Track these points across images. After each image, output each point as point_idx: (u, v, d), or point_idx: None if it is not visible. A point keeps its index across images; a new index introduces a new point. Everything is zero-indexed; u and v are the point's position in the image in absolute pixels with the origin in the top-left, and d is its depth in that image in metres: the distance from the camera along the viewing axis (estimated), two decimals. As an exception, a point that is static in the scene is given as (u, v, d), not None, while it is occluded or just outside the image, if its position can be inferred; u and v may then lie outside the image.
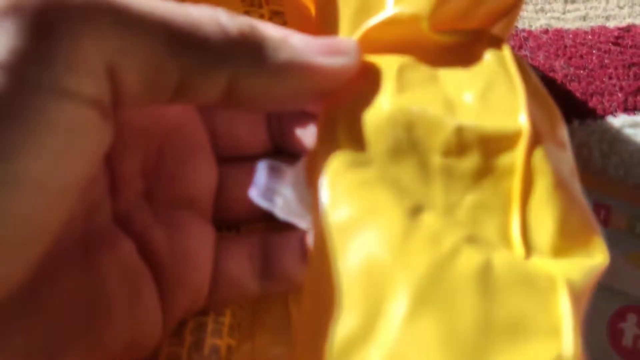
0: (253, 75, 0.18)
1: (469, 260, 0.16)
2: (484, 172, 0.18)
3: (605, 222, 0.36)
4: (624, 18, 0.43)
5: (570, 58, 0.41)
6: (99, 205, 0.21)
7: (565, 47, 0.42)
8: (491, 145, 0.18)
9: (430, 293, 0.15)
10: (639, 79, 0.41)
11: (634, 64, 0.41)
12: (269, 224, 0.28)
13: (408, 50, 0.20)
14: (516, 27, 0.42)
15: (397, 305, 0.15)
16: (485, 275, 0.16)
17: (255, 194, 0.22)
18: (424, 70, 0.20)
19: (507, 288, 0.16)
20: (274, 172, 0.22)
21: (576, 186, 0.20)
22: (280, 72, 0.18)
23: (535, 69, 0.40)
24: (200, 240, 0.24)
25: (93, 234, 0.20)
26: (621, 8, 0.44)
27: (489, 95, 0.19)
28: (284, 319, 0.27)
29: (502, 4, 0.22)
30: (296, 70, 0.18)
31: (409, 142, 0.18)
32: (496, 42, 0.21)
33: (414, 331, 0.15)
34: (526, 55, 0.41)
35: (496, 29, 0.23)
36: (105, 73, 0.16)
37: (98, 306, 0.19)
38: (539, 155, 0.18)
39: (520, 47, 0.41)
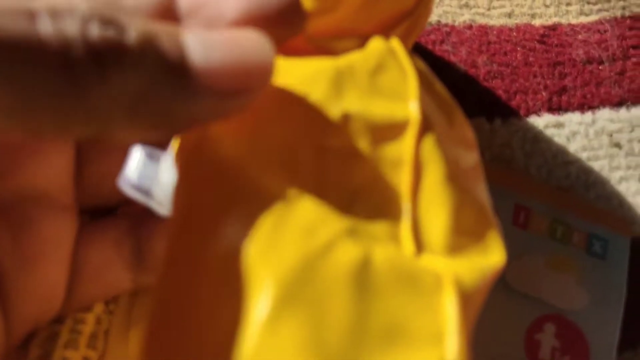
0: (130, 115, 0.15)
1: (346, 255, 0.14)
2: (372, 162, 0.17)
3: (524, 225, 0.34)
4: (550, 17, 0.42)
5: (493, 55, 0.39)
6: None
7: (489, 43, 0.40)
8: (379, 133, 0.17)
9: (296, 292, 0.14)
10: (564, 79, 0.39)
11: (559, 63, 0.40)
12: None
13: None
14: (439, 21, 0.40)
15: (260, 307, 0.13)
16: (362, 273, 0.14)
17: (126, 185, 0.20)
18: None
19: (386, 288, 0.14)
20: (149, 159, 0.20)
21: (476, 184, 0.19)
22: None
23: (457, 64, 0.38)
24: (52, 236, 0.21)
25: None
26: (547, 6, 0.42)
27: (378, 76, 0.18)
28: None
29: (397, 9, 0.21)
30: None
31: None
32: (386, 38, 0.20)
33: (274, 337, 0.13)
34: (448, 50, 0.39)
35: (395, 35, 0.22)
36: None
37: None
38: (428, 145, 0.17)
39: (442, 42, 0.39)
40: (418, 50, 0.39)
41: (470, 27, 0.40)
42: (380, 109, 0.17)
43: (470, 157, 0.20)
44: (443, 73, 0.38)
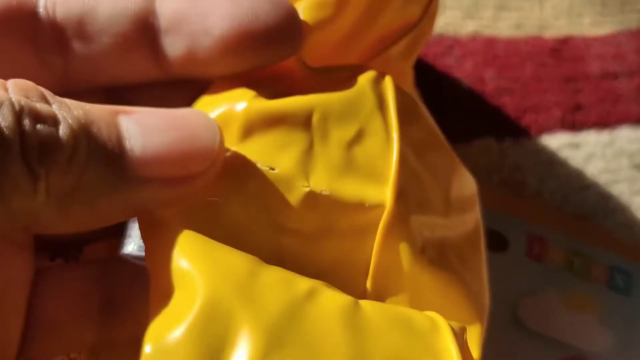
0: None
1: (332, 299, 0.14)
2: (338, 251, 0.16)
3: (539, 257, 0.31)
4: (561, 29, 0.39)
5: (501, 69, 0.36)
6: None
7: (496, 56, 0.37)
8: (345, 218, 0.16)
9: (287, 334, 0.13)
10: (578, 95, 0.36)
11: (572, 78, 0.37)
12: (115, 245, 0.22)
13: (277, 83, 0.18)
14: (441, 33, 0.37)
15: (244, 349, 0.13)
16: (353, 315, 0.14)
17: (129, 256, 0.19)
18: (279, 102, 0.17)
19: (381, 329, 0.14)
20: None
21: (469, 258, 0.19)
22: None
23: (461, 79, 0.35)
24: (4, 278, 0.18)
25: None
26: (557, 18, 0.39)
27: (358, 147, 0.17)
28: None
29: (403, 20, 0.20)
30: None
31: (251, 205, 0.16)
32: (379, 77, 0.18)
33: None
34: (451, 65, 0.36)
35: (397, 50, 0.21)
36: None
37: None
38: (398, 238, 0.16)
39: (445, 55, 0.36)
40: (418, 65, 0.36)
41: (474, 39, 0.37)
42: (351, 190, 0.16)
43: (467, 220, 0.19)
44: (446, 89, 0.35)
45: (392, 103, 0.17)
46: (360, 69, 0.18)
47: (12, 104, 0.13)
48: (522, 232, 0.31)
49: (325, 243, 0.16)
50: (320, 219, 0.16)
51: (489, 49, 0.37)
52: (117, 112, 0.15)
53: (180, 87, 0.20)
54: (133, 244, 0.18)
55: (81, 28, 0.18)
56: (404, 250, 0.16)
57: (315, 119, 0.16)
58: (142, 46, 0.18)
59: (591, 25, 0.39)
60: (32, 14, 0.17)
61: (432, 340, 0.14)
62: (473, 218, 0.20)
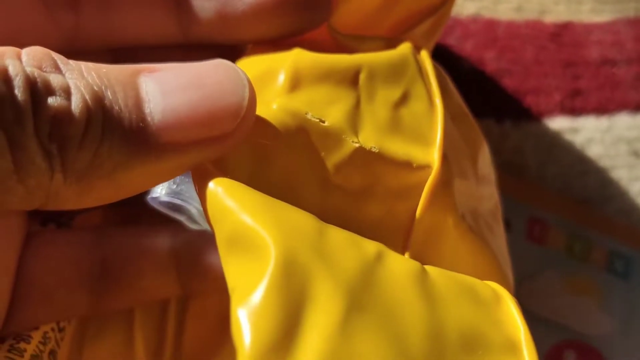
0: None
1: (401, 264, 0.14)
2: (381, 209, 0.16)
3: (541, 240, 0.30)
4: (561, 14, 0.38)
5: (502, 51, 0.36)
6: None
7: (497, 39, 0.36)
8: (391, 176, 0.16)
9: (365, 296, 0.13)
10: (578, 80, 0.36)
11: (572, 63, 0.36)
12: (109, 213, 0.22)
13: (312, 49, 0.17)
14: (442, 13, 0.36)
15: (324, 311, 0.12)
16: (423, 282, 0.13)
17: (155, 201, 0.18)
18: (325, 60, 0.16)
19: (450, 297, 0.14)
20: (184, 175, 0.18)
21: (493, 231, 0.19)
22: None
23: (465, 59, 0.35)
24: None
25: None
26: (557, 4, 0.39)
27: (404, 109, 0.16)
28: (125, 344, 0.21)
29: (426, 2, 0.20)
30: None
31: (301, 147, 0.15)
32: (415, 48, 0.18)
33: (351, 341, 0.12)
34: (452, 45, 0.35)
35: (421, 30, 0.21)
36: None
37: None
38: (442, 200, 0.16)
39: (446, 35, 0.35)
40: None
41: (475, 20, 0.37)
42: (398, 149, 0.16)
43: (490, 192, 0.19)
44: (446, 69, 0.34)
45: (431, 71, 0.18)
46: (394, 41, 0.18)
47: (26, 77, 0.12)
48: (523, 214, 0.31)
49: (369, 201, 0.16)
50: (367, 176, 0.15)
51: (490, 31, 0.37)
52: (138, 72, 0.13)
53: (199, 52, 0.19)
54: (161, 188, 0.17)
55: None
56: (447, 214, 0.16)
57: (362, 77, 0.16)
58: (166, 5, 0.17)
59: (590, 11, 0.39)
60: None
61: (496, 310, 0.14)
62: (495, 193, 0.20)
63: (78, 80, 0.13)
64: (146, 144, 0.13)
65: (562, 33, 0.38)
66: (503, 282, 0.17)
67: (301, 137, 0.15)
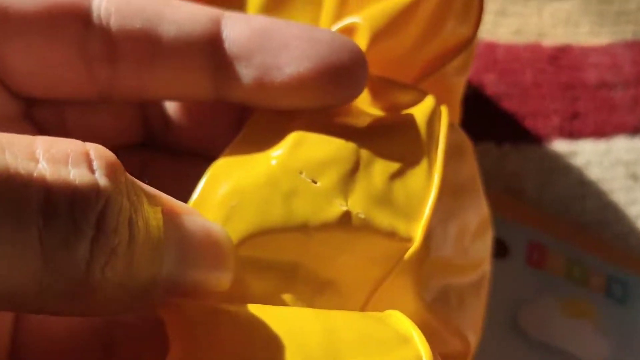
0: None
1: None
2: (356, 269, 0.17)
3: (539, 264, 0.31)
4: (559, 37, 0.39)
5: (501, 74, 0.36)
6: None
7: (496, 62, 0.37)
8: (372, 243, 0.16)
9: None
10: (576, 103, 0.36)
11: (570, 86, 0.37)
12: None
13: None
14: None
15: None
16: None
17: None
18: (334, 125, 0.17)
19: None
20: None
21: (468, 304, 0.20)
22: None
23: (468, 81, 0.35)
24: None
25: None
26: (555, 27, 0.39)
27: (399, 182, 0.17)
28: None
29: (455, 40, 0.21)
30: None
31: (283, 210, 0.15)
32: (435, 110, 0.19)
33: None
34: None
35: (453, 66, 0.22)
36: None
37: None
38: (412, 273, 0.17)
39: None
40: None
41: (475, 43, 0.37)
42: (384, 219, 0.16)
43: (475, 270, 0.20)
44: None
45: (442, 143, 0.18)
46: (421, 94, 0.19)
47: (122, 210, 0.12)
48: (522, 239, 0.31)
49: (345, 258, 0.16)
50: (349, 238, 0.16)
51: (489, 54, 0.37)
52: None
53: (223, 108, 0.20)
54: None
55: (139, 45, 0.17)
56: (411, 287, 0.17)
57: (365, 145, 0.17)
58: (205, 69, 0.17)
59: (588, 34, 0.39)
60: (84, 19, 0.17)
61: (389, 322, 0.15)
62: (483, 264, 0.21)
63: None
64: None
65: (561, 56, 0.38)
66: (460, 347, 0.19)
67: (292, 190, 0.16)
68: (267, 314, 0.14)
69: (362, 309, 0.16)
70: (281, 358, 0.13)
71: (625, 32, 0.40)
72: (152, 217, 0.13)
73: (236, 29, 0.17)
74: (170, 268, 0.13)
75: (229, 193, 0.15)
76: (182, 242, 0.13)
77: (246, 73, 0.17)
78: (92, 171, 0.12)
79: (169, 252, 0.13)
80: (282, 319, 0.14)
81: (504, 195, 0.33)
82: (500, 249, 0.31)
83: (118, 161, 0.12)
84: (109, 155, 0.12)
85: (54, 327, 0.17)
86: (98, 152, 0.12)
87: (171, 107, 0.20)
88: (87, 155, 0.12)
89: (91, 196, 0.12)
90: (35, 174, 0.11)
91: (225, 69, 0.17)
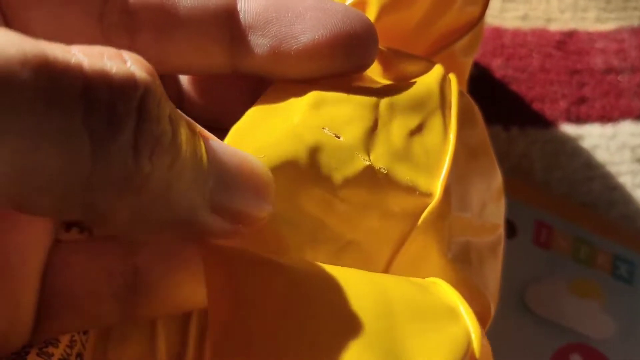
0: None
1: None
2: (378, 226, 0.17)
3: (547, 244, 0.31)
4: (566, 22, 0.39)
5: (508, 59, 0.36)
6: None
7: (504, 46, 0.37)
8: (394, 198, 0.17)
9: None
10: (583, 88, 0.36)
11: (577, 71, 0.37)
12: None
13: None
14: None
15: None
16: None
17: None
18: (350, 88, 0.17)
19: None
20: None
21: (487, 264, 0.20)
22: None
23: (473, 66, 0.35)
24: (19, 251, 0.17)
25: None
26: (562, 12, 0.39)
27: (418, 138, 0.17)
28: (148, 348, 0.21)
29: (464, 19, 0.21)
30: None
31: (308, 164, 0.16)
32: (445, 77, 0.19)
33: None
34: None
35: (460, 45, 0.22)
36: None
37: None
38: (434, 230, 0.17)
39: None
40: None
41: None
42: (405, 175, 0.17)
43: (492, 232, 0.20)
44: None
45: (454, 105, 0.18)
46: (430, 64, 0.19)
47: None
48: (529, 219, 0.31)
49: (369, 216, 0.16)
50: (372, 194, 0.16)
51: (497, 39, 0.37)
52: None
53: (237, 82, 0.20)
54: None
55: (156, 15, 0.17)
56: (434, 245, 0.17)
57: (382, 104, 0.17)
58: (221, 40, 0.18)
59: (595, 20, 0.40)
60: None
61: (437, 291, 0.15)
62: (499, 228, 0.21)
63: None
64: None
65: (568, 41, 0.38)
66: (481, 308, 0.19)
67: (317, 147, 0.16)
68: (318, 271, 0.14)
69: (386, 268, 0.17)
70: (341, 320, 0.13)
71: (632, 18, 0.40)
72: (192, 137, 0.13)
73: (251, 0, 0.17)
74: (213, 191, 0.13)
75: (255, 149, 0.15)
76: (222, 166, 0.14)
77: (262, 43, 0.17)
78: (127, 65, 0.12)
79: (210, 171, 0.13)
80: (336, 278, 0.14)
81: (512, 177, 0.33)
82: (509, 229, 0.31)
83: (154, 69, 0.13)
84: (144, 61, 0.13)
85: (79, 288, 0.18)
86: (132, 55, 0.12)
87: (185, 80, 0.20)
88: (120, 54, 0.12)
89: (130, 84, 0.12)
90: (72, 61, 0.11)
91: (241, 39, 0.17)
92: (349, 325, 0.13)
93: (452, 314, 0.15)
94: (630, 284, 0.31)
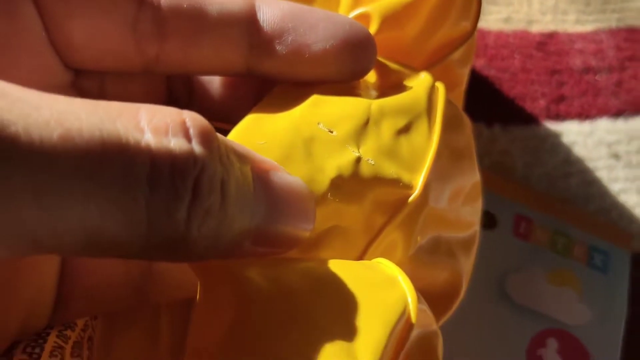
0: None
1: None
2: (359, 214, 0.18)
3: (526, 236, 0.33)
4: (547, 24, 0.41)
5: (491, 59, 0.38)
6: None
7: (487, 47, 0.39)
8: (378, 188, 0.18)
9: None
10: (562, 87, 0.38)
11: (557, 71, 0.39)
12: None
13: None
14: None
15: None
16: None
17: None
18: (348, 91, 0.20)
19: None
20: None
21: (457, 258, 0.21)
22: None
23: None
24: None
25: None
26: (544, 14, 0.41)
27: (404, 138, 0.19)
28: (152, 335, 0.22)
29: (457, 33, 0.23)
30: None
31: (303, 153, 0.17)
32: (434, 86, 0.21)
33: None
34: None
35: (456, 56, 0.24)
36: None
37: None
38: (409, 222, 0.19)
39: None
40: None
41: (467, 30, 0.39)
42: (391, 168, 0.18)
43: (466, 230, 0.22)
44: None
45: (440, 110, 0.20)
46: (419, 73, 0.21)
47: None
48: (510, 212, 0.33)
49: (352, 204, 0.18)
50: (359, 183, 0.18)
51: (480, 40, 0.39)
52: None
53: (244, 82, 0.22)
54: None
55: (185, 23, 0.18)
56: (402, 240, 0.18)
57: (374, 105, 0.19)
58: (241, 46, 0.19)
59: (575, 22, 0.41)
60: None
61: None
62: (474, 226, 0.23)
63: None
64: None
65: (548, 42, 0.40)
66: (446, 286, 0.21)
67: (309, 142, 0.17)
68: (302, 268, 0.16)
69: (361, 256, 0.18)
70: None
71: (610, 20, 0.42)
72: (242, 175, 0.14)
73: (269, 11, 0.19)
74: (259, 221, 0.14)
75: (259, 135, 0.17)
76: (270, 196, 0.15)
77: (279, 49, 0.19)
78: (189, 139, 0.13)
79: (258, 206, 0.14)
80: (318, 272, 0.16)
81: (494, 172, 0.35)
82: (490, 221, 0.33)
83: (211, 127, 0.13)
84: (203, 122, 0.13)
85: (96, 277, 0.19)
86: (193, 121, 0.13)
87: (197, 78, 0.22)
88: (184, 124, 0.13)
89: (189, 164, 0.13)
90: (142, 144, 0.12)
91: (259, 46, 0.19)
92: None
93: (390, 282, 0.16)
94: (604, 273, 0.33)
